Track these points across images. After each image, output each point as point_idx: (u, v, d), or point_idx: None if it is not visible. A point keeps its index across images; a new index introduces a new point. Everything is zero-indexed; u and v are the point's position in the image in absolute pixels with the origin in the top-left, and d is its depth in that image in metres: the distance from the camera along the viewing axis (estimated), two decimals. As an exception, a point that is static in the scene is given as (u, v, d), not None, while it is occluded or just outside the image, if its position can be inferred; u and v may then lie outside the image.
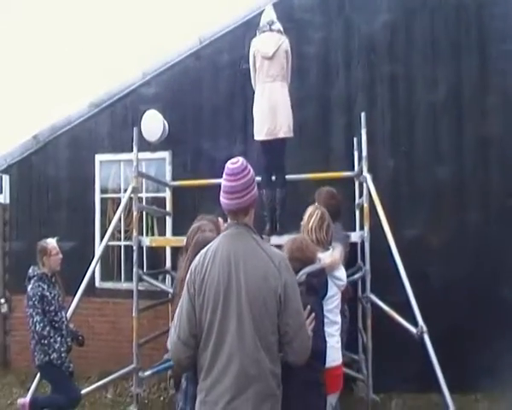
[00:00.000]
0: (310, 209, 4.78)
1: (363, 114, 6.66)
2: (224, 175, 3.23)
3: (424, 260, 7.36)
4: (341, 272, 4.66)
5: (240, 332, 3.01)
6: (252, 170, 3.27)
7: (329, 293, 4.38)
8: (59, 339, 5.87)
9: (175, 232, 8.47)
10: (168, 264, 8.42)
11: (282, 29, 6.81)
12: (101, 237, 8.70)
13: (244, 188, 3.18)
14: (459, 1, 7.81)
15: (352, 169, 7.69)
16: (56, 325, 5.92)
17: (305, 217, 4.73)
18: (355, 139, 7.50)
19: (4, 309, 9.53)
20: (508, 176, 7.52)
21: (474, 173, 7.64)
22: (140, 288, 7.42)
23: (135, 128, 7.34)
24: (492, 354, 6.56)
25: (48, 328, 5.81)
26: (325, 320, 4.33)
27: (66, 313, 6.22)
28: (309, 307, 3.74)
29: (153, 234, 8.86)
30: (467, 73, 7.74)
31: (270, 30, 6.72)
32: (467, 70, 7.74)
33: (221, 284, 3.05)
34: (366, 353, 6.67)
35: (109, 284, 8.93)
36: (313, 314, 3.74)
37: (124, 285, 8.71)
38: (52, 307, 5.91)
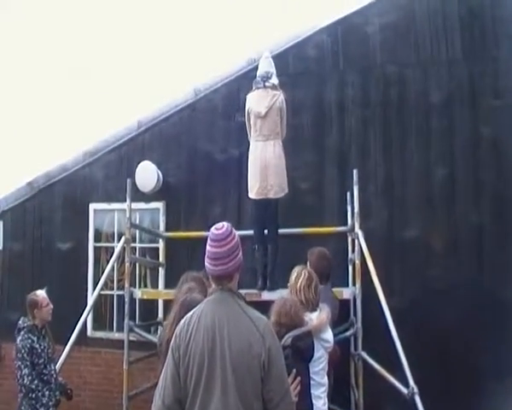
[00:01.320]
0: (297, 269, 4.82)
1: (355, 171, 6.68)
2: (208, 240, 3.22)
3: (418, 315, 7.32)
4: (328, 334, 4.66)
5: (224, 399, 2.98)
6: (237, 236, 3.25)
7: (316, 355, 4.39)
8: (47, 393, 5.77)
9: (168, 283, 8.39)
10: (160, 315, 8.35)
11: (276, 83, 6.86)
12: (94, 286, 8.68)
13: (229, 254, 3.17)
14: (452, 56, 7.88)
15: (346, 223, 7.67)
16: (45, 378, 5.81)
17: (293, 277, 4.76)
18: (348, 194, 7.50)
19: (-6, 357, 9.44)
20: (500, 221, 7.54)
21: (467, 222, 7.64)
22: (132, 338, 7.36)
23: (128, 179, 7.35)
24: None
25: (36, 381, 5.70)
26: (312, 382, 4.36)
27: (55, 366, 6.16)
28: (294, 371, 3.75)
29: (145, 284, 8.82)
30: (459, 126, 7.79)
31: (264, 87, 6.77)
32: (459, 123, 7.79)
33: (205, 351, 3.03)
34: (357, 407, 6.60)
35: (101, 334, 8.85)
36: (298, 379, 3.76)
37: (116, 335, 8.61)
38: (41, 360, 5.81)
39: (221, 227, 3.22)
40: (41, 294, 6.09)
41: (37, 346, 5.82)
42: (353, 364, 6.92)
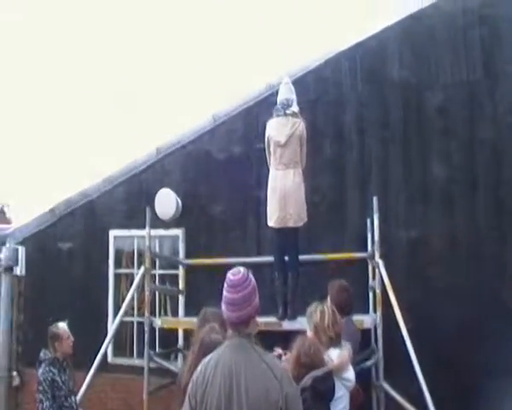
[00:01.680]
0: (319, 307, 4.73)
1: (375, 198, 6.63)
2: (225, 285, 3.25)
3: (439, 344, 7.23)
4: (350, 373, 4.60)
5: None
6: (253, 281, 3.28)
7: (337, 394, 4.31)
8: (68, 425, 5.80)
9: (187, 310, 8.44)
10: (180, 342, 8.34)
11: (297, 110, 6.83)
12: (114, 313, 8.78)
13: (245, 300, 3.19)
14: (472, 77, 7.80)
15: (366, 249, 7.59)
16: (66, 411, 5.85)
17: (317, 316, 4.66)
18: (368, 220, 7.43)
19: (16, 382, 9.52)
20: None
21: (489, 242, 7.50)
22: (152, 365, 7.34)
23: (147, 208, 7.38)
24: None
25: (57, 414, 5.74)
26: (332, 421, 4.27)
27: (76, 398, 6.18)
28: None
29: (165, 311, 8.83)
30: (480, 148, 7.68)
31: (285, 114, 6.75)
32: (479, 144, 7.68)
33: (222, 397, 3.04)
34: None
35: (121, 360, 8.87)
36: None
37: (136, 362, 8.61)
38: (62, 392, 5.85)
39: (237, 273, 3.25)
40: (62, 327, 6.13)
41: (58, 379, 5.87)
42: (375, 395, 6.83)
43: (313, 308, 4.77)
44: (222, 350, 3.22)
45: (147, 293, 7.30)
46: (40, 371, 5.87)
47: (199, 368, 3.23)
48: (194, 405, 3.11)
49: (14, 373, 9.52)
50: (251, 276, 3.28)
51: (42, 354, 5.99)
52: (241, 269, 3.27)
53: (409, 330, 6.12)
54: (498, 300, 7.16)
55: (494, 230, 7.42)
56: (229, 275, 3.25)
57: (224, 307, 3.24)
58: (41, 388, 5.78)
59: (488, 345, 6.89)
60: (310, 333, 4.68)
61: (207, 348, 3.65)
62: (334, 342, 4.58)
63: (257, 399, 3.00)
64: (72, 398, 6.03)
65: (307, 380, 4.01)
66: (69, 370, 6.12)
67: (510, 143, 7.50)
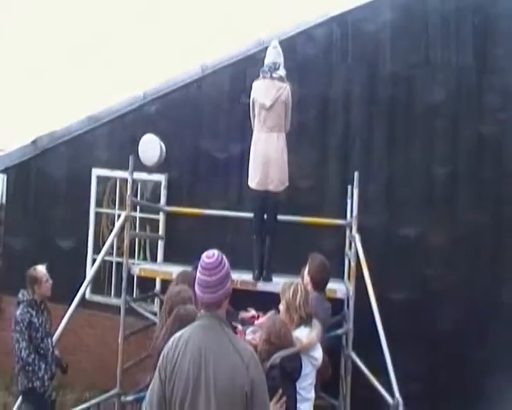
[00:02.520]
0: (292, 286, 4.84)
1: (356, 174, 6.67)
2: (199, 267, 3.31)
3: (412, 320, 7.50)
4: (317, 352, 4.75)
5: None
6: (227, 264, 3.34)
7: (304, 371, 4.48)
8: (43, 366, 5.95)
9: (166, 255, 8.60)
10: (157, 287, 8.43)
11: (284, 74, 6.77)
12: (94, 250, 8.95)
13: (218, 283, 3.26)
14: (463, 61, 7.79)
15: (345, 216, 7.68)
16: (42, 352, 5.99)
17: (290, 293, 4.77)
18: (349, 188, 7.49)
19: (-6, 307, 9.63)
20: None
21: (468, 237, 7.69)
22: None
23: (131, 156, 7.31)
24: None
25: (33, 355, 5.88)
26: (298, 397, 4.45)
27: (52, 340, 6.29)
28: (280, 391, 3.95)
29: (145, 254, 8.94)
30: (464, 142, 7.77)
31: (271, 77, 6.69)
32: (464, 138, 7.77)
33: (190, 377, 3.14)
34: (345, 400, 6.74)
35: (99, 298, 9.01)
36: (284, 399, 3.97)
37: (113, 301, 8.78)
38: (39, 334, 5.98)
39: (212, 256, 3.30)
40: (41, 270, 6.20)
41: (36, 320, 5.98)
42: (343, 363, 7.06)
43: (287, 285, 4.88)
44: (193, 328, 3.30)
45: (126, 241, 7.35)
46: (18, 311, 5.95)
47: (170, 342, 3.32)
48: (164, 378, 3.22)
49: (-7, 299, 9.64)
50: (225, 259, 3.34)
51: (20, 295, 6.06)
52: (216, 252, 3.33)
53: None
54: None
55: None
56: (204, 257, 3.30)
57: (197, 288, 3.31)
58: (18, 328, 5.88)
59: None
60: (281, 308, 4.81)
61: (182, 320, 3.80)
62: (305, 321, 4.71)
63: (224, 381, 3.11)
64: (49, 340, 6.15)
65: (276, 358, 4.17)
66: (47, 312, 6.24)
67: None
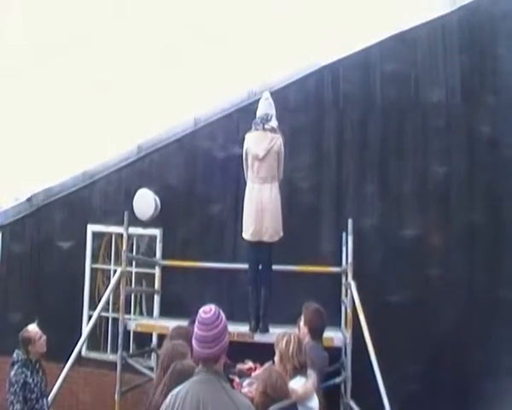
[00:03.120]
0: (286, 336, 4.81)
1: (350, 221, 6.69)
2: (196, 322, 3.31)
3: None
4: (314, 402, 4.69)
5: None
6: (224, 319, 3.34)
7: None
8: (38, 428, 5.84)
9: (163, 311, 8.54)
10: (154, 341, 8.37)
11: (276, 125, 6.86)
12: (89, 306, 8.86)
13: (215, 339, 3.25)
14: (449, 103, 7.91)
15: (341, 263, 7.68)
16: (36, 414, 5.89)
17: (283, 344, 4.75)
18: (343, 234, 7.50)
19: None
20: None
21: (461, 268, 7.67)
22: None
23: (126, 212, 7.36)
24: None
25: (28, 417, 5.78)
26: (297, 449, 4.38)
27: (47, 400, 6.20)
28: None
29: (141, 309, 8.89)
30: (456, 172, 7.83)
31: (263, 129, 6.77)
32: (456, 168, 7.83)
33: None
34: None
35: (95, 354, 8.89)
36: None
37: (110, 357, 8.66)
38: (34, 395, 5.84)
39: (209, 311, 3.30)
40: (33, 329, 6.07)
41: (31, 381, 5.84)
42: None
43: (280, 336, 4.86)
44: (191, 384, 3.28)
45: (122, 297, 7.34)
46: (12, 372, 5.82)
47: (167, 399, 3.30)
48: None
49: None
50: (222, 314, 3.34)
51: (15, 356, 5.94)
52: (213, 307, 3.33)
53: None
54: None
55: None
56: (201, 312, 3.30)
57: (194, 343, 3.30)
58: (12, 389, 5.74)
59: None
60: (276, 358, 4.78)
61: (180, 375, 3.73)
62: (299, 371, 4.66)
63: None
64: (44, 400, 6.02)
65: None
66: (42, 371, 6.11)
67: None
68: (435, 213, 7.86)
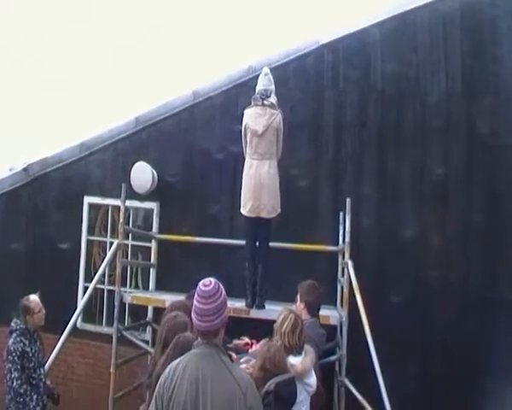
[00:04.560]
0: (284, 312, 4.84)
1: (348, 200, 6.69)
2: (195, 295, 3.33)
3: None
4: (312, 379, 4.74)
5: None
6: (223, 292, 3.36)
7: (299, 398, 4.48)
8: (35, 397, 5.88)
9: (158, 284, 8.55)
10: (150, 315, 8.39)
11: (275, 101, 6.81)
12: (85, 278, 8.87)
13: (215, 311, 3.27)
14: (450, 85, 7.85)
15: (338, 242, 7.68)
16: (34, 382, 5.93)
17: (279, 320, 4.80)
18: (341, 214, 7.51)
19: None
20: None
21: (458, 250, 7.68)
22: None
23: (123, 184, 7.34)
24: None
25: (25, 386, 5.81)
26: (293, 424, 4.43)
27: (44, 370, 6.25)
28: None
29: (136, 282, 8.89)
30: (454, 161, 7.79)
31: (263, 104, 6.73)
32: (454, 157, 7.80)
33: (188, 405, 3.14)
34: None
35: (90, 327, 8.90)
36: None
37: (105, 329, 8.68)
38: (31, 364, 5.92)
39: (208, 284, 3.32)
40: (34, 299, 6.12)
41: (29, 350, 5.92)
42: (337, 388, 7.02)
43: (278, 313, 4.90)
44: (189, 357, 3.30)
45: (118, 270, 7.34)
46: (11, 341, 5.88)
47: (166, 371, 3.33)
48: (161, 406, 3.23)
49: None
50: (222, 287, 3.36)
51: (13, 324, 6.00)
52: (213, 280, 3.35)
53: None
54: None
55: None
56: (201, 285, 3.33)
57: (194, 316, 3.32)
58: (10, 358, 5.81)
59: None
60: (275, 338, 4.81)
61: (183, 347, 3.78)
62: (296, 347, 4.70)
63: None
64: (41, 370, 6.10)
65: (271, 384, 4.17)
66: (40, 341, 6.18)
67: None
68: (435, 197, 7.81)
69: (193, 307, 3.35)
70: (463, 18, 7.85)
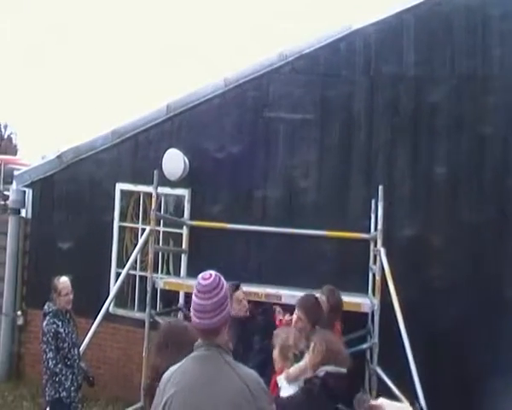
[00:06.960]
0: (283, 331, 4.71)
1: (380, 187, 6.66)
2: (194, 290, 3.00)
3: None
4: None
5: None
6: (225, 287, 3.01)
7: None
8: (70, 377, 6.00)
9: (189, 270, 8.60)
10: (181, 301, 8.46)
11: None
12: (117, 264, 9.00)
13: (215, 308, 2.94)
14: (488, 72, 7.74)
15: (369, 229, 7.63)
16: (69, 363, 6.05)
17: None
18: (373, 201, 7.48)
19: (20, 321, 9.74)
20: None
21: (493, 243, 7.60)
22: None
23: (155, 171, 7.42)
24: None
25: (60, 365, 5.95)
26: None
27: (79, 351, 6.36)
28: None
29: (168, 268, 8.98)
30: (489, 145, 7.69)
31: None
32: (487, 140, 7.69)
33: None
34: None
35: (122, 311, 9.01)
36: None
37: (136, 315, 8.79)
38: (65, 345, 6.04)
39: (208, 277, 2.98)
40: (64, 282, 6.20)
41: (62, 330, 6.05)
42: (368, 378, 7.01)
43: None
44: (188, 361, 3.01)
45: (150, 256, 7.43)
46: (44, 323, 6.02)
47: (166, 375, 3.04)
48: None
49: (19, 313, 9.76)
50: (223, 281, 3.01)
51: (46, 307, 6.13)
52: (213, 273, 2.99)
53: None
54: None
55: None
56: (199, 279, 2.99)
57: (192, 313, 3.00)
58: (45, 339, 5.95)
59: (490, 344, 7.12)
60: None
61: (176, 338, 3.48)
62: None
63: None
64: (76, 350, 6.22)
65: (319, 372, 3.99)
66: (73, 322, 6.30)
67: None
68: (467, 178, 7.74)
69: (191, 304, 3.01)
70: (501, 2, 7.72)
